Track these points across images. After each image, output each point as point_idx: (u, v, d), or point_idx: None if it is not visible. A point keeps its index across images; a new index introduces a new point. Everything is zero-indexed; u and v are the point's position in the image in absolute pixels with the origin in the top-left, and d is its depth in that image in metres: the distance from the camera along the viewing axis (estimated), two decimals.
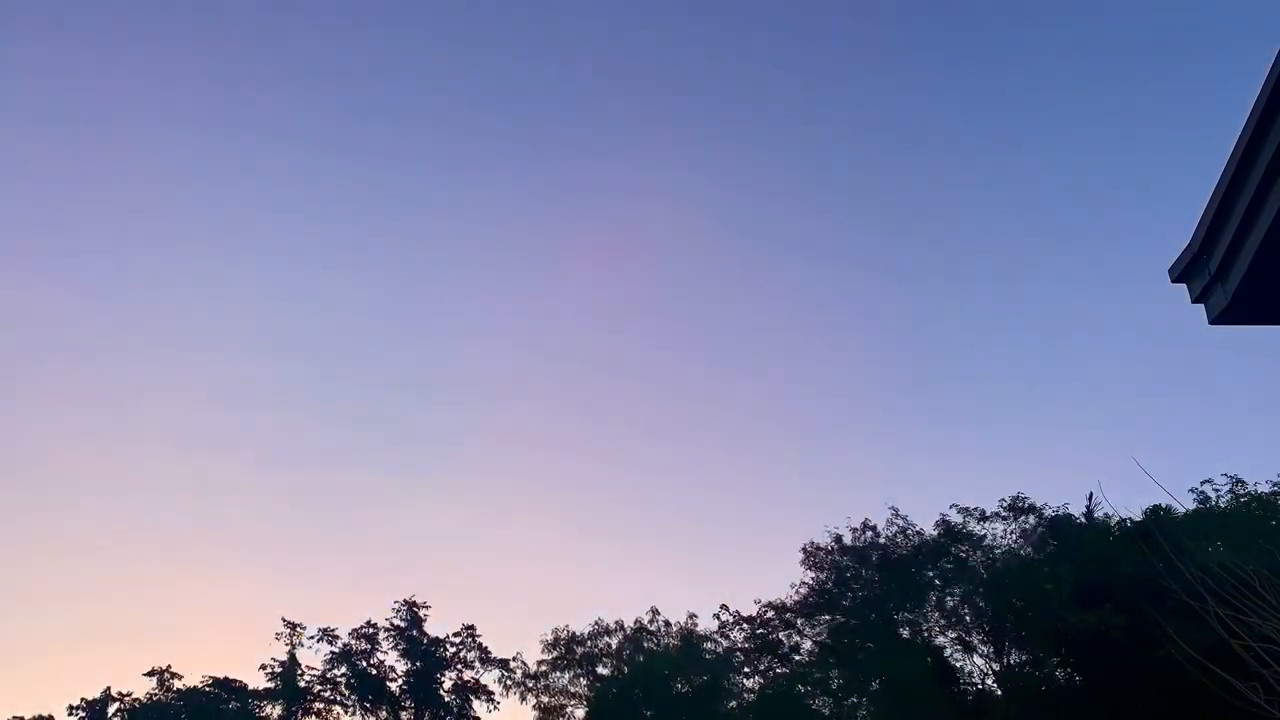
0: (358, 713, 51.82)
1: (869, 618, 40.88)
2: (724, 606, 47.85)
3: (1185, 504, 34.69)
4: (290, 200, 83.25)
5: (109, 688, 53.39)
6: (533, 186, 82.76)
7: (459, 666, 52.92)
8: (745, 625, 47.11)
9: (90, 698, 53.09)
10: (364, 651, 52.44)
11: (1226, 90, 54.30)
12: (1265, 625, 8.24)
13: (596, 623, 50.05)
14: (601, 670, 49.59)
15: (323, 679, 51.87)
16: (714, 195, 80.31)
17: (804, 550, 43.38)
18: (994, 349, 79.62)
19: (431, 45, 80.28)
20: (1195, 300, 5.85)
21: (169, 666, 53.66)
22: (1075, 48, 78.63)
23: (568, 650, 49.77)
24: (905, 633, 40.45)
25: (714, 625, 47.88)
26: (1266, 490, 34.84)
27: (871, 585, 41.57)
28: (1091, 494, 37.73)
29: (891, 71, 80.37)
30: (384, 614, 53.09)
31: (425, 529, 75.70)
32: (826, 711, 41.75)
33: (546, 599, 77.13)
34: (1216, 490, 35.33)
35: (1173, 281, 5.97)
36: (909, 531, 41.67)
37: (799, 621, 44.85)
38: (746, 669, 46.87)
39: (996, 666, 38.96)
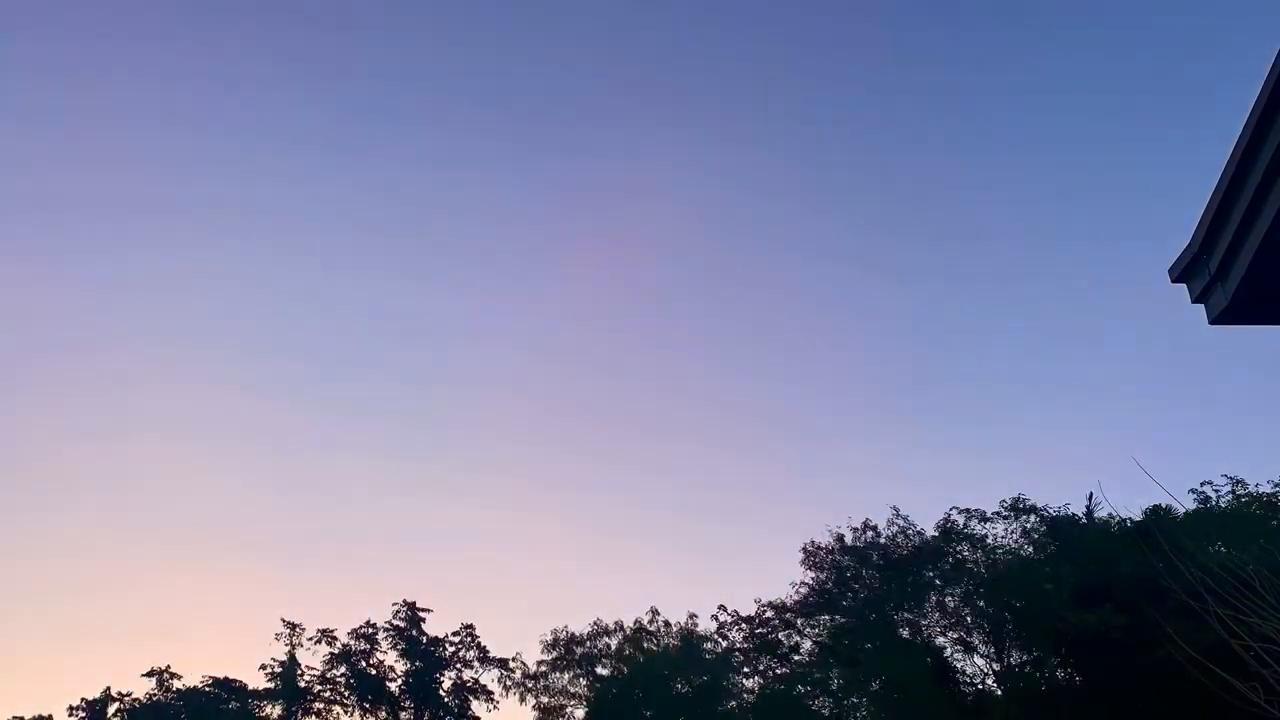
0: (357, 713, 51.91)
1: (869, 618, 40.83)
2: (723, 607, 47.93)
3: (1185, 504, 34.64)
4: (290, 200, 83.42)
5: (109, 688, 53.51)
6: (533, 186, 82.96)
7: (458, 666, 52.95)
8: (745, 625, 47.09)
9: (90, 698, 53.20)
10: (363, 651, 52.48)
11: (1226, 90, 54.39)
12: (1265, 625, 8.23)
13: (596, 623, 50.12)
14: (601, 670, 49.59)
15: (322, 679, 51.92)
16: (714, 195, 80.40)
17: (804, 550, 43.34)
18: (994, 349, 79.72)
19: (431, 45, 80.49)
20: (1195, 300, 5.86)
21: (168, 666, 53.78)
22: (1075, 48, 78.74)
23: (567, 650, 49.76)
24: (905, 633, 40.39)
25: (713, 625, 47.97)
26: (1267, 490, 34.79)
27: (872, 585, 41.53)
28: (1091, 494, 37.62)
29: (891, 71, 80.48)
30: (383, 614, 53.26)
31: (425, 529, 75.90)
32: (826, 711, 41.70)
33: (546, 599, 77.32)
34: (1217, 490, 35.24)
35: (1173, 282, 5.99)
36: (909, 531, 41.63)
37: (799, 621, 44.82)
38: (746, 669, 46.83)
39: (996, 666, 38.91)
